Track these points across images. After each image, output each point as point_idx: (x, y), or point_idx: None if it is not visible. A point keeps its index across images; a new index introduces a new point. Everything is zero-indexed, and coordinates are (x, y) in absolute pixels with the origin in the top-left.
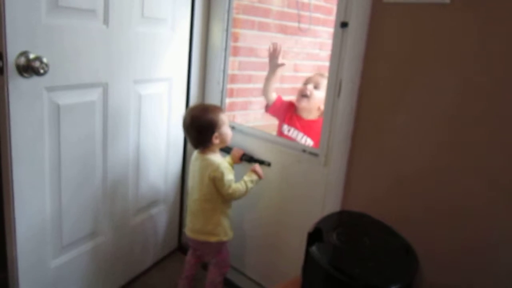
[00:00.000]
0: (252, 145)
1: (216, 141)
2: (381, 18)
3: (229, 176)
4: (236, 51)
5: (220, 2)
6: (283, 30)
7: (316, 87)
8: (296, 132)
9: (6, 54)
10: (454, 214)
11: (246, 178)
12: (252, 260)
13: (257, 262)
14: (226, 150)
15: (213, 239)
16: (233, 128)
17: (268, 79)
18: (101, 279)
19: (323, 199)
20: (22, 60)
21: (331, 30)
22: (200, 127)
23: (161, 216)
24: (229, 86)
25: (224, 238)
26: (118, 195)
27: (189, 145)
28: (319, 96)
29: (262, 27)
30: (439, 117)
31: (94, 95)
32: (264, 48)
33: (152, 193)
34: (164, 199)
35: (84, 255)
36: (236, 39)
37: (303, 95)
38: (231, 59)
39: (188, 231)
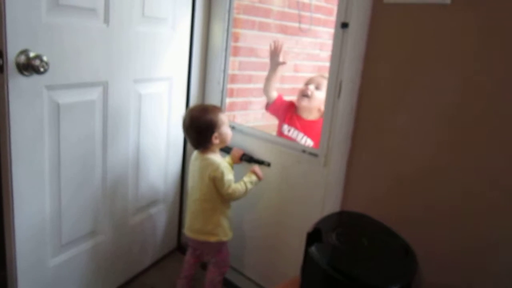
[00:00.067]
0: (252, 145)
1: (216, 141)
2: (382, 18)
3: (229, 176)
4: (236, 51)
5: (220, 2)
6: (284, 30)
7: (317, 87)
8: (296, 132)
9: (6, 52)
10: (454, 214)
11: (245, 179)
12: (252, 260)
13: (257, 262)
14: (226, 150)
15: (212, 239)
16: (233, 128)
17: (269, 77)
18: (100, 278)
19: (323, 199)
20: (22, 59)
21: (331, 30)
22: (200, 128)
23: (161, 216)
24: (229, 86)
25: (224, 238)
26: (118, 195)
27: (189, 145)
28: (320, 96)
29: (263, 27)
30: (439, 117)
31: (94, 94)
32: (264, 48)
33: (152, 193)
34: (164, 199)
35: (83, 254)
36: (236, 39)
37: (304, 95)
38: (231, 59)
39: (187, 231)
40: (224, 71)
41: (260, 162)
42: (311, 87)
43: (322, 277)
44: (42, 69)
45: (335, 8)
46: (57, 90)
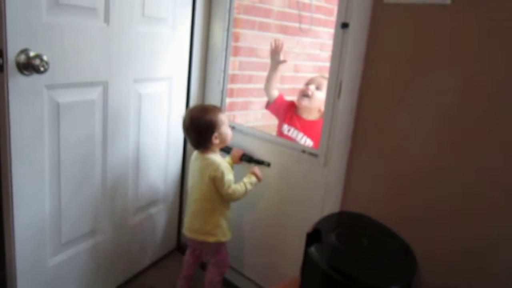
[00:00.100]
0: (252, 145)
1: (216, 141)
2: (382, 19)
3: (229, 176)
4: (236, 51)
5: (221, 1)
6: (284, 30)
7: (318, 88)
8: (296, 132)
9: (6, 52)
10: (454, 215)
11: (245, 179)
12: (251, 261)
13: (256, 263)
14: (226, 150)
15: (211, 239)
16: (233, 128)
17: (269, 76)
18: (99, 278)
19: (323, 199)
20: (22, 58)
21: (332, 31)
22: (199, 128)
23: (160, 215)
24: (229, 86)
25: (223, 239)
26: (118, 194)
27: (189, 145)
28: (320, 97)
29: (263, 27)
30: (439, 118)
31: (94, 94)
32: (265, 49)
33: (152, 193)
34: (164, 198)
35: (83, 254)
36: (236, 39)
37: (304, 95)
38: (231, 59)
39: (186, 231)
40: (224, 71)
41: (260, 162)
42: (312, 87)
43: (321, 277)
44: (42, 69)
45: (335, 8)
46: (57, 90)
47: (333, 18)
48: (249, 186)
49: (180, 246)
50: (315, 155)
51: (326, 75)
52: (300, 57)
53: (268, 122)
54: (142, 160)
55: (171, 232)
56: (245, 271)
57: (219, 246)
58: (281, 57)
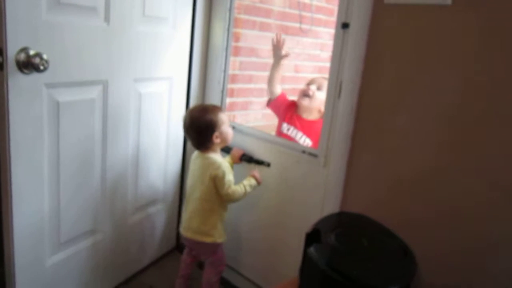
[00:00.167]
0: (252, 145)
1: (217, 140)
2: (382, 19)
3: (230, 176)
4: (237, 51)
5: (221, 1)
6: (285, 30)
7: (318, 88)
8: (295, 131)
9: (6, 50)
10: (454, 215)
11: (245, 182)
12: (251, 261)
13: (255, 263)
14: (225, 150)
15: (208, 239)
16: (233, 128)
17: (272, 72)
18: (98, 277)
19: (322, 200)
20: (22, 56)
21: (332, 31)
22: (200, 128)
23: (160, 215)
24: (229, 86)
25: (219, 240)
26: (117, 194)
27: (188, 145)
28: (321, 97)
29: (264, 27)
30: (440, 118)
31: (94, 93)
32: (265, 49)
33: (151, 192)
34: (163, 198)
35: (82, 253)
36: (237, 39)
37: (305, 94)
38: (232, 59)
39: (183, 230)
40: (225, 71)
41: (260, 162)
42: (313, 87)
43: (320, 277)
44: (42, 67)
45: (336, 8)
46: (57, 88)
47: (333, 19)
48: (248, 189)
49: (179, 246)
50: (315, 156)
51: (327, 75)
52: (300, 57)
53: (268, 122)
54: (142, 160)
55: (170, 232)
56: (245, 271)
57: (215, 247)
58: (283, 52)
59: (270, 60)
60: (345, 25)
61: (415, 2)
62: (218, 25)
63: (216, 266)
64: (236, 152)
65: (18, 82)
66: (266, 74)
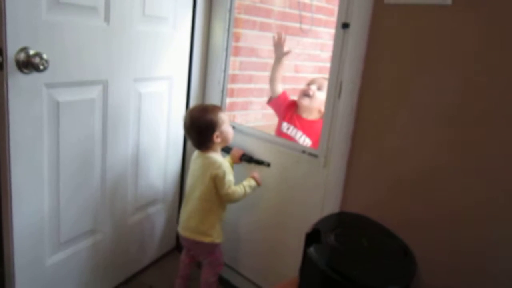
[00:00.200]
0: (252, 145)
1: (217, 140)
2: (382, 19)
3: (230, 176)
4: (237, 51)
5: (221, 1)
6: (285, 30)
7: (319, 88)
8: (295, 130)
9: (6, 50)
10: (454, 215)
11: (245, 183)
12: (250, 261)
13: (255, 263)
14: (225, 150)
15: (206, 239)
16: (233, 128)
17: (274, 69)
18: (98, 277)
19: (322, 200)
20: (22, 56)
21: (332, 31)
22: (200, 128)
23: (160, 215)
24: (229, 86)
25: (217, 240)
26: (117, 194)
27: (188, 145)
28: (321, 97)
29: (264, 27)
30: (440, 118)
31: (94, 93)
32: (265, 49)
33: (151, 192)
34: (163, 198)
35: (82, 253)
36: (237, 39)
37: (305, 94)
38: (232, 59)
39: (181, 230)
40: (225, 71)
41: (260, 162)
42: (314, 87)
43: (320, 278)
44: (41, 67)
45: (336, 8)
46: (57, 88)
47: (333, 19)
48: (248, 190)
49: (179, 246)
50: (315, 156)
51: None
52: (300, 57)
53: (268, 122)
54: (142, 160)
55: (170, 232)
56: (244, 272)
57: (213, 247)
58: (285, 49)
59: (270, 60)
60: (345, 25)
61: (415, 2)
62: (218, 25)
63: (214, 267)
64: (236, 152)
65: (18, 82)
66: (266, 74)
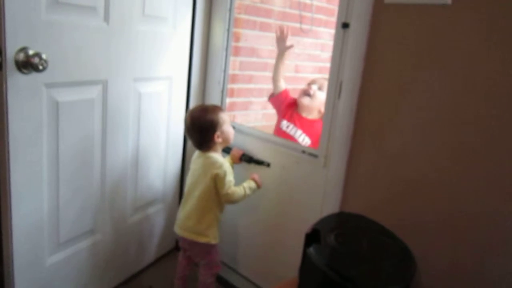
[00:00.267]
0: (252, 145)
1: (218, 140)
2: (382, 19)
3: (230, 177)
4: (237, 51)
5: (222, 1)
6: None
7: (320, 88)
8: (294, 129)
9: (5, 50)
10: (454, 215)
11: (245, 184)
12: (250, 261)
13: (255, 263)
14: (225, 150)
15: (203, 239)
16: (233, 128)
17: (277, 64)
18: (97, 277)
19: (322, 200)
20: (21, 56)
21: (332, 31)
22: (201, 128)
23: (159, 215)
24: (229, 86)
25: (213, 241)
26: (117, 194)
27: (189, 145)
28: (321, 97)
29: (264, 27)
30: (440, 118)
31: (93, 92)
32: (265, 49)
33: (151, 192)
34: (163, 198)
35: (81, 253)
36: (237, 39)
37: (306, 94)
38: (232, 59)
39: (179, 229)
40: (225, 71)
41: (259, 163)
42: (314, 87)
43: (320, 278)
44: (41, 67)
45: (336, 8)
46: (56, 88)
47: (333, 19)
48: (248, 191)
49: (178, 246)
50: (315, 156)
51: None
52: (300, 57)
53: (268, 122)
54: (142, 160)
55: (170, 232)
56: (244, 272)
57: (209, 248)
58: (287, 43)
59: (270, 60)
60: (345, 25)
61: (415, 2)
62: (218, 25)
63: (211, 267)
64: (236, 152)
65: (17, 82)
66: (266, 74)
